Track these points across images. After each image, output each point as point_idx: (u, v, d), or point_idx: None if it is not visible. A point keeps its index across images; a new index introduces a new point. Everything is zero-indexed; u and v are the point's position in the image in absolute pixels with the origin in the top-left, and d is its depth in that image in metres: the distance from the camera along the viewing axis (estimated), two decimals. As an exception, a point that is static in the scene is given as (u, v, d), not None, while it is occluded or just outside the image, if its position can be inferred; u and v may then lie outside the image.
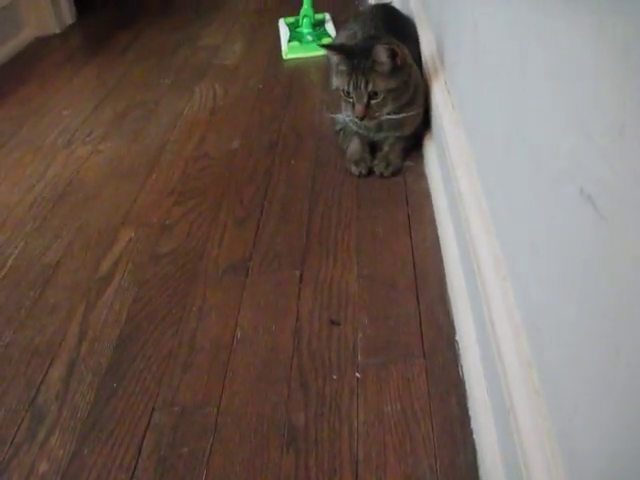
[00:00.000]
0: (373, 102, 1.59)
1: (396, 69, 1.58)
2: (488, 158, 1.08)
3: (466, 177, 1.21)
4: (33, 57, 2.89)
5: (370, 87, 1.57)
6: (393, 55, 1.56)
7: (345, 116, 1.68)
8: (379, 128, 1.65)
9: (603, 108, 0.55)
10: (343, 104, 1.69)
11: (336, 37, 2.24)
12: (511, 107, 0.89)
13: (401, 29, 1.95)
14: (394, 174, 1.63)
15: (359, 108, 1.58)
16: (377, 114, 1.60)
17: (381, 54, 1.55)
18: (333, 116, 1.77)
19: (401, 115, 1.62)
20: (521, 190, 0.85)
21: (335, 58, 1.64)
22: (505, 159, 0.94)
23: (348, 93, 1.60)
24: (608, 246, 0.54)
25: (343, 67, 1.60)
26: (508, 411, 0.80)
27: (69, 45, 3.02)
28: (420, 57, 1.86)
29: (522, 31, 0.83)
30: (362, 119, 1.60)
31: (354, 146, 1.69)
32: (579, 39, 0.60)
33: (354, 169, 1.65)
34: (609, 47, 0.53)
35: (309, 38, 2.56)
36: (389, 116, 1.61)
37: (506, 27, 0.92)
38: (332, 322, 1.21)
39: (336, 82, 1.63)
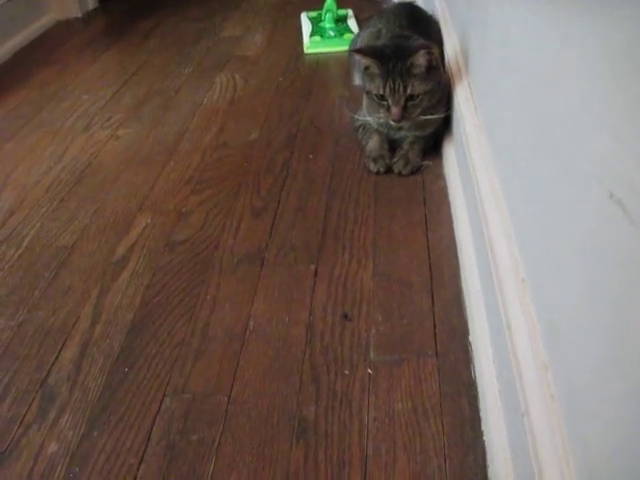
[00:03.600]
0: (410, 104, 1.58)
1: (430, 70, 1.58)
2: (511, 161, 1.08)
3: (486, 179, 1.21)
4: (54, 41, 2.90)
5: (409, 90, 1.56)
6: (429, 56, 1.56)
7: (376, 118, 1.66)
8: (400, 127, 1.64)
9: (637, 111, 0.54)
10: (369, 105, 1.67)
11: (359, 34, 2.24)
12: (538, 110, 0.89)
13: (425, 28, 1.95)
14: (412, 173, 1.63)
15: (396, 111, 1.58)
16: (413, 116, 1.60)
17: (421, 58, 1.55)
18: (356, 116, 1.76)
19: (435, 116, 1.63)
20: (545, 193, 0.84)
21: (364, 61, 1.62)
22: (529, 162, 0.94)
23: (382, 96, 1.59)
24: (638, 251, 0.54)
25: (376, 70, 1.59)
26: (522, 414, 0.80)
27: (90, 30, 3.03)
28: (443, 57, 1.86)
29: (554, 34, 0.82)
30: (399, 121, 1.59)
31: (373, 143, 1.69)
32: (614, 42, 0.60)
33: (372, 166, 1.64)
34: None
35: (331, 33, 2.56)
36: (422, 117, 1.61)
37: (537, 30, 0.91)
38: (345, 316, 1.21)
39: (368, 86, 1.61)
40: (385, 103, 1.59)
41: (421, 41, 1.64)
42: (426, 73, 1.57)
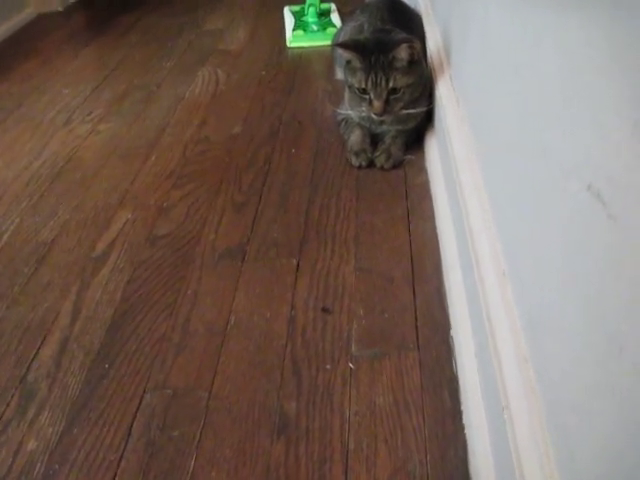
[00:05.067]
0: (392, 98, 1.58)
1: (412, 64, 1.58)
2: (492, 154, 1.08)
3: (468, 172, 1.21)
4: (35, 34, 2.87)
5: (391, 84, 1.56)
6: (411, 50, 1.56)
7: (358, 112, 1.65)
8: (382, 121, 1.64)
9: (618, 104, 0.54)
10: (351, 99, 1.67)
11: (342, 28, 2.23)
12: (519, 103, 0.89)
13: (407, 22, 1.94)
14: (394, 167, 1.62)
15: (378, 105, 1.57)
16: (395, 109, 1.60)
17: (403, 52, 1.55)
18: (338, 110, 1.76)
19: (417, 110, 1.62)
20: (525, 186, 0.84)
21: (346, 55, 1.62)
22: (510, 155, 0.94)
23: (364, 90, 1.59)
24: (616, 244, 0.54)
25: (357, 64, 1.58)
26: (503, 408, 0.80)
27: (71, 24, 3.00)
28: (425, 51, 1.85)
29: (534, 26, 0.82)
30: (381, 115, 1.59)
31: (355, 137, 1.68)
32: (594, 34, 0.60)
33: (354, 160, 1.64)
34: (624, 42, 0.52)
35: (314, 27, 2.55)
36: (404, 111, 1.60)
37: (518, 22, 0.91)
38: (324, 310, 1.21)
39: (350, 80, 1.60)
40: (367, 97, 1.59)
41: (403, 35, 1.64)
42: (408, 67, 1.57)
